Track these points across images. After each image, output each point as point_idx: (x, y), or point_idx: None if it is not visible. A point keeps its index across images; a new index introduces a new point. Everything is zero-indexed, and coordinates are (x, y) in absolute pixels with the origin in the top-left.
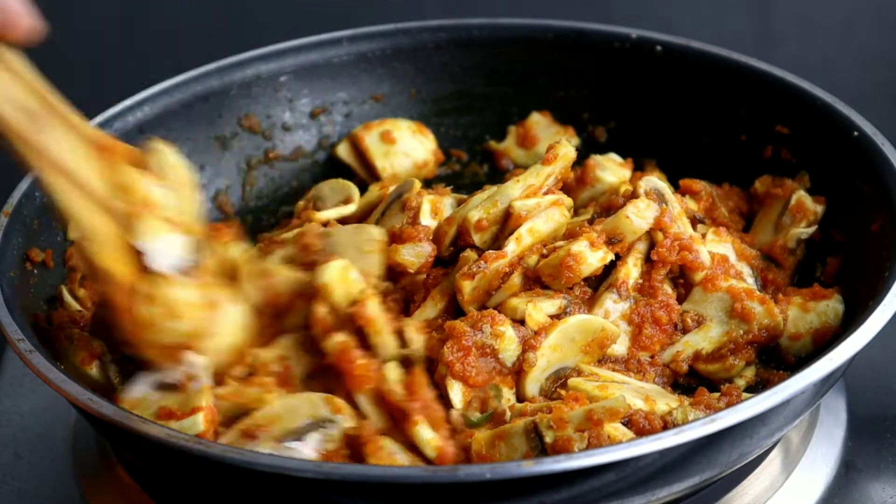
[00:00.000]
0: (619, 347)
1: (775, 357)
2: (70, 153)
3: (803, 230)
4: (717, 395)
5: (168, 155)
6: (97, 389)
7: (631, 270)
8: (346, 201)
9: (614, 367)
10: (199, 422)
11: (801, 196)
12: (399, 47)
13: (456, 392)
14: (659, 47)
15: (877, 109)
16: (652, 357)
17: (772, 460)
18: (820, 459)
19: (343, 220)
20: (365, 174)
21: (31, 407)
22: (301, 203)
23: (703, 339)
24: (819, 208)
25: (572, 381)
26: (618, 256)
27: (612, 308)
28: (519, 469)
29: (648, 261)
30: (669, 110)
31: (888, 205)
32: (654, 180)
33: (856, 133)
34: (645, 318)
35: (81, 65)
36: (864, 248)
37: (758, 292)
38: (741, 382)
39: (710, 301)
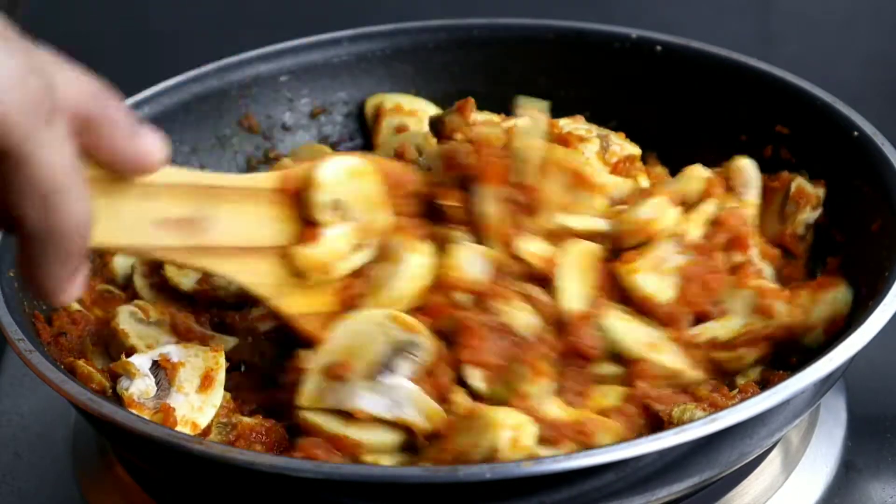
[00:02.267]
0: (663, 296)
1: (780, 355)
2: (245, 225)
3: (809, 214)
4: (735, 391)
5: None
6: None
7: (693, 228)
8: None
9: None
10: None
11: (799, 182)
12: (399, 47)
13: (477, 379)
14: (659, 47)
15: (877, 109)
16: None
17: (772, 460)
18: (820, 459)
19: None
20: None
21: (31, 407)
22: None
23: (721, 328)
24: (820, 191)
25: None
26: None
27: (670, 257)
28: (519, 469)
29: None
30: (669, 110)
31: (888, 205)
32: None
33: (856, 133)
34: (695, 277)
35: (81, 65)
36: (864, 249)
37: (783, 292)
38: (741, 381)
39: (736, 297)
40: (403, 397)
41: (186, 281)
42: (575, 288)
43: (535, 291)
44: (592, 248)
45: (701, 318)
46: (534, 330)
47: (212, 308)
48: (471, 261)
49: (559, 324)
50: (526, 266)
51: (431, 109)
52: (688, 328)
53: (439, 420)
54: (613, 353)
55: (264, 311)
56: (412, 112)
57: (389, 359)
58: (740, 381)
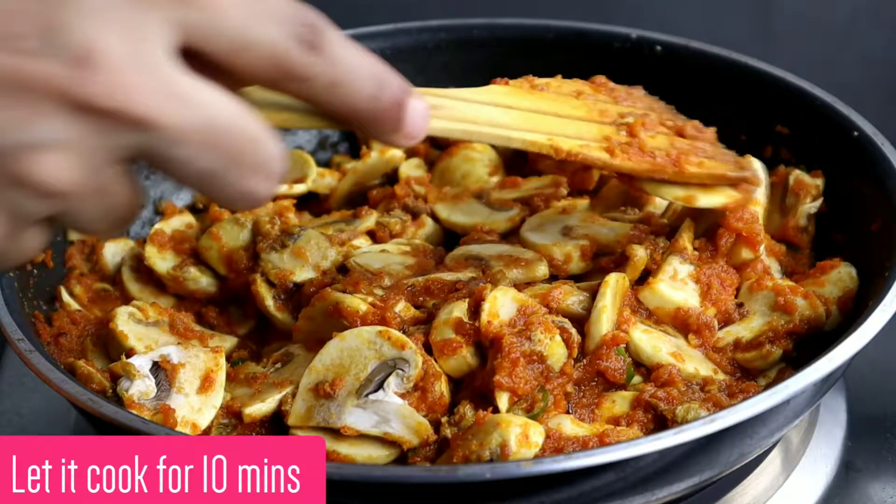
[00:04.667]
0: (692, 301)
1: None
2: None
3: (810, 205)
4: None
5: None
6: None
7: (686, 242)
8: (300, 181)
9: (694, 342)
10: None
11: (797, 175)
12: (399, 47)
13: (503, 401)
14: (659, 47)
15: (877, 109)
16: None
17: (772, 460)
18: (820, 459)
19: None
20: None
21: (31, 407)
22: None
23: (744, 329)
24: (819, 181)
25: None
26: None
27: (680, 268)
28: (519, 469)
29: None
30: None
31: (888, 205)
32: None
33: (856, 133)
34: (712, 277)
35: None
36: (864, 248)
37: (801, 288)
38: (762, 382)
39: (756, 298)
40: (390, 412)
41: (163, 263)
42: (608, 315)
43: (567, 324)
44: (624, 277)
45: (723, 324)
46: (562, 363)
47: (195, 304)
48: (506, 305)
49: (586, 353)
50: (557, 312)
51: None
52: (714, 333)
53: (427, 434)
54: (638, 365)
55: (241, 316)
56: None
57: (378, 375)
58: (762, 382)
